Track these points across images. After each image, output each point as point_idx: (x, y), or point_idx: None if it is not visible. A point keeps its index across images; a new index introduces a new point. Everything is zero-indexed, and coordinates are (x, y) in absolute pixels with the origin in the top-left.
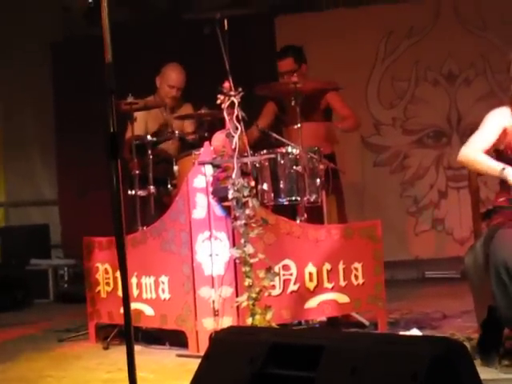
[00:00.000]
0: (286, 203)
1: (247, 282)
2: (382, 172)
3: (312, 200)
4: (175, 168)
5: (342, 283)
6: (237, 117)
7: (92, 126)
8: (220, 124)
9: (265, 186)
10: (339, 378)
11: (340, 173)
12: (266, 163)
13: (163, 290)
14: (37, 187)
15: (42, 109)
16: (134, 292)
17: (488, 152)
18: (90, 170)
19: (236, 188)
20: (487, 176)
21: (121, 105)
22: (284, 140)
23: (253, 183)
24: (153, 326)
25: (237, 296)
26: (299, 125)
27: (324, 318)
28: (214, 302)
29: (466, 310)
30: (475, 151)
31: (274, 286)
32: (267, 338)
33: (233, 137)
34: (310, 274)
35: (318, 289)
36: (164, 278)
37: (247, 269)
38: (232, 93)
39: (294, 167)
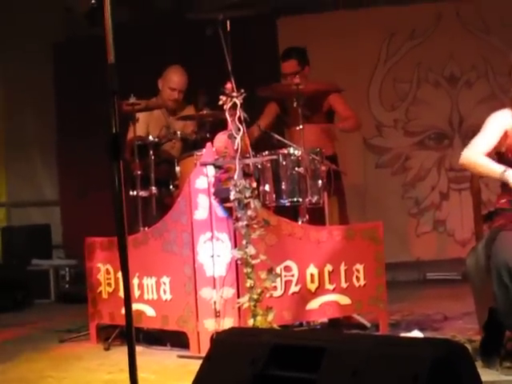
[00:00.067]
0: (288, 204)
1: (249, 283)
2: (383, 173)
3: (314, 201)
4: (177, 169)
5: (344, 285)
6: (239, 118)
7: (93, 127)
8: (222, 125)
9: (267, 187)
10: (340, 379)
11: (342, 174)
12: (268, 164)
13: (165, 291)
14: (38, 187)
15: (44, 109)
16: (136, 293)
17: (490, 154)
18: (92, 171)
19: (238, 189)
20: (489, 178)
21: (123, 105)
22: (286, 141)
23: (255, 184)
24: (154, 326)
25: (238, 297)
26: (301, 126)
27: (325, 320)
28: (215, 302)
29: (467, 312)
30: (477, 154)
31: (275, 288)
32: (269, 339)
33: (235, 138)
34: (312, 275)
35: (320, 290)
36: (165, 279)
37: (249, 270)
38: (234, 94)
39: (296, 168)
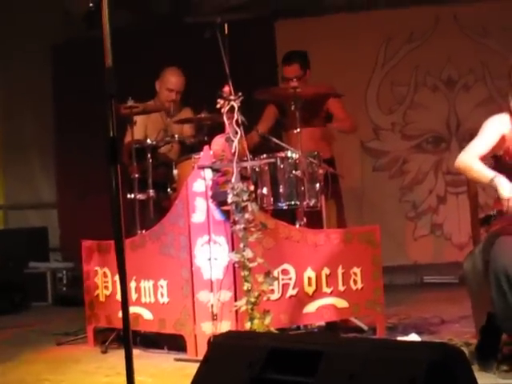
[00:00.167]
0: (286, 208)
1: (246, 286)
2: (381, 177)
3: (311, 204)
4: (175, 172)
5: (341, 288)
6: (236, 121)
7: (92, 130)
8: (220, 128)
9: (264, 191)
10: (338, 383)
11: (339, 177)
12: (266, 167)
13: (162, 294)
14: (36, 190)
15: (42, 111)
16: (133, 296)
17: (486, 158)
18: (89, 174)
19: (235, 192)
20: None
21: (121, 108)
22: (283, 144)
23: (252, 187)
24: (151, 329)
25: (235, 300)
26: (298, 129)
27: (323, 323)
28: (212, 306)
29: (464, 316)
30: (472, 158)
31: (272, 291)
32: (266, 342)
33: (232, 141)
34: (309, 278)
35: (317, 293)
36: (163, 282)
37: (246, 273)
38: (232, 97)
39: (294, 172)
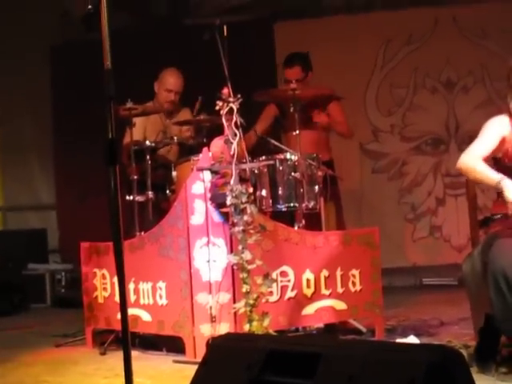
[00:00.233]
0: (285, 210)
1: (245, 288)
2: (380, 179)
3: (310, 206)
4: (173, 174)
5: (340, 290)
6: (235, 123)
7: (90, 131)
8: (218, 130)
9: (263, 193)
10: None
11: (338, 179)
12: (265, 169)
13: (160, 296)
14: (35, 192)
15: (41, 113)
16: (132, 297)
17: (487, 160)
18: (88, 175)
19: (234, 194)
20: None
21: (119, 110)
22: (283, 146)
23: (251, 189)
24: (150, 331)
25: (234, 302)
26: (297, 131)
27: (321, 325)
28: (211, 308)
29: (463, 317)
30: (475, 159)
31: (271, 293)
32: (264, 344)
33: (231, 143)
34: (308, 280)
35: (316, 295)
36: (161, 284)
37: (245, 275)
38: (231, 99)
39: (293, 174)
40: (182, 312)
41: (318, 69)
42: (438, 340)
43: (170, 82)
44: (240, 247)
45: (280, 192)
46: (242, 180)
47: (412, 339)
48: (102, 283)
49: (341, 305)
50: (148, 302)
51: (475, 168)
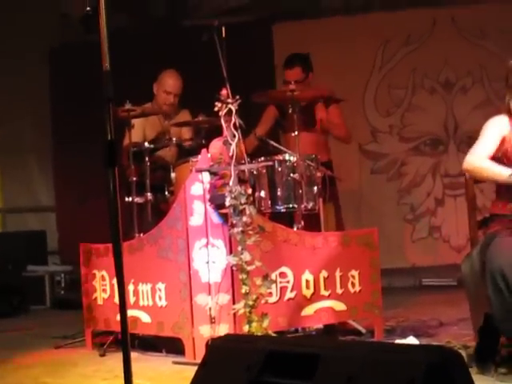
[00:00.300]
0: (283, 211)
1: (244, 289)
2: (379, 179)
3: (309, 207)
4: (172, 175)
5: (339, 291)
6: (234, 124)
7: (89, 133)
8: (217, 131)
9: (262, 194)
10: None
11: (337, 180)
12: (264, 170)
13: (160, 297)
14: (34, 193)
15: (40, 115)
16: (131, 299)
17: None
18: (88, 177)
19: (233, 195)
20: (484, 184)
21: (118, 112)
22: (281, 147)
23: (250, 190)
24: (149, 333)
25: (233, 303)
26: (296, 132)
27: (321, 326)
28: (210, 309)
29: (462, 318)
30: (481, 158)
31: (270, 294)
32: (264, 345)
33: (230, 144)
34: (307, 281)
35: (315, 296)
36: (161, 285)
37: (244, 276)
38: (229, 100)
39: (292, 175)
40: (182, 313)
41: (317, 70)
42: (438, 340)
43: (168, 84)
44: (239, 248)
45: (279, 193)
46: (241, 181)
47: (411, 340)
48: (102, 285)
49: (340, 306)
50: (147, 304)
51: (482, 166)
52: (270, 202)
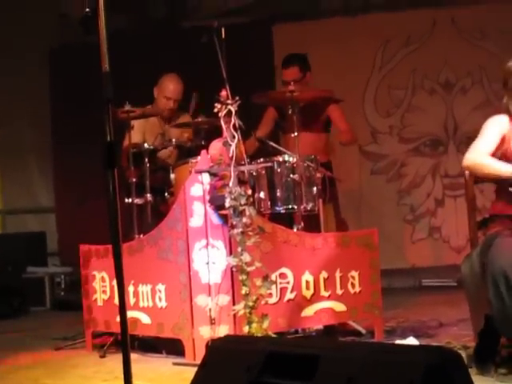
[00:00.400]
0: (283, 211)
1: (244, 290)
2: (378, 180)
3: (309, 208)
4: (172, 176)
5: (339, 291)
6: (234, 125)
7: (89, 134)
8: (217, 132)
9: (262, 195)
10: None
11: (336, 181)
12: (263, 171)
13: (160, 299)
14: (34, 195)
15: (40, 116)
16: (131, 300)
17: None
18: (87, 178)
19: (233, 196)
20: (484, 184)
21: (118, 113)
22: (281, 148)
23: (250, 191)
24: (149, 334)
25: (233, 304)
26: (296, 133)
27: (321, 327)
28: (210, 310)
29: (462, 319)
30: (481, 155)
31: (270, 295)
32: (264, 346)
33: (230, 145)
34: (307, 282)
35: (315, 297)
36: (161, 287)
37: (244, 277)
38: (229, 101)
39: (291, 175)
40: (182, 314)
41: (317, 71)
42: (437, 341)
43: (169, 90)
44: (239, 249)
45: (278, 194)
46: (241, 182)
47: (411, 340)
48: (102, 286)
49: (340, 306)
50: (147, 305)
51: (483, 163)
52: (269, 203)
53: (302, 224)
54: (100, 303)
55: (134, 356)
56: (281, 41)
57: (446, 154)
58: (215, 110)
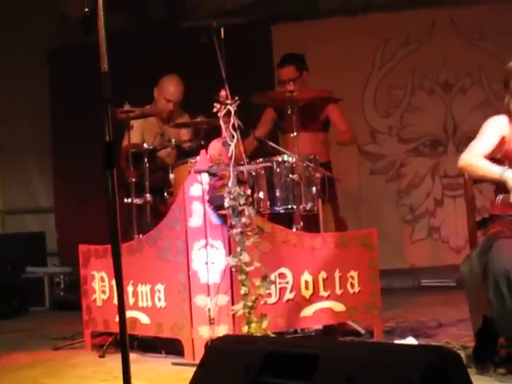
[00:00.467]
0: (282, 211)
1: (243, 290)
2: (378, 180)
3: (308, 208)
4: (171, 176)
5: (338, 291)
6: (233, 125)
7: (89, 134)
8: (216, 132)
9: (261, 195)
10: None
11: (336, 181)
12: (262, 171)
13: (159, 298)
14: (33, 195)
15: (39, 116)
16: (130, 300)
17: (486, 159)
18: (87, 178)
19: (232, 196)
20: (483, 184)
21: (117, 113)
22: (280, 148)
23: (249, 191)
24: (149, 334)
25: (233, 304)
26: (295, 133)
27: (320, 327)
28: (209, 310)
29: (461, 319)
30: (475, 156)
31: (269, 295)
32: (263, 346)
33: (229, 145)
34: (306, 282)
35: (314, 297)
36: (160, 286)
37: (243, 277)
38: (228, 101)
39: (290, 175)
40: (181, 314)
41: (316, 71)
42: (437, 341)
43: (169, 92)
44: (238, 249)
45: (277, 194)
46: (240, 182)
47: (410, 340)
48: (101, 286)
49: (339, 306)
50: (146, 305)
51: (476, 164)
52: (268, 203)
53: (301, 224)
54: (99, 303)
55: (133, 356)
56: (280, 41)
57: (446, 154)
58: (214, 110)
